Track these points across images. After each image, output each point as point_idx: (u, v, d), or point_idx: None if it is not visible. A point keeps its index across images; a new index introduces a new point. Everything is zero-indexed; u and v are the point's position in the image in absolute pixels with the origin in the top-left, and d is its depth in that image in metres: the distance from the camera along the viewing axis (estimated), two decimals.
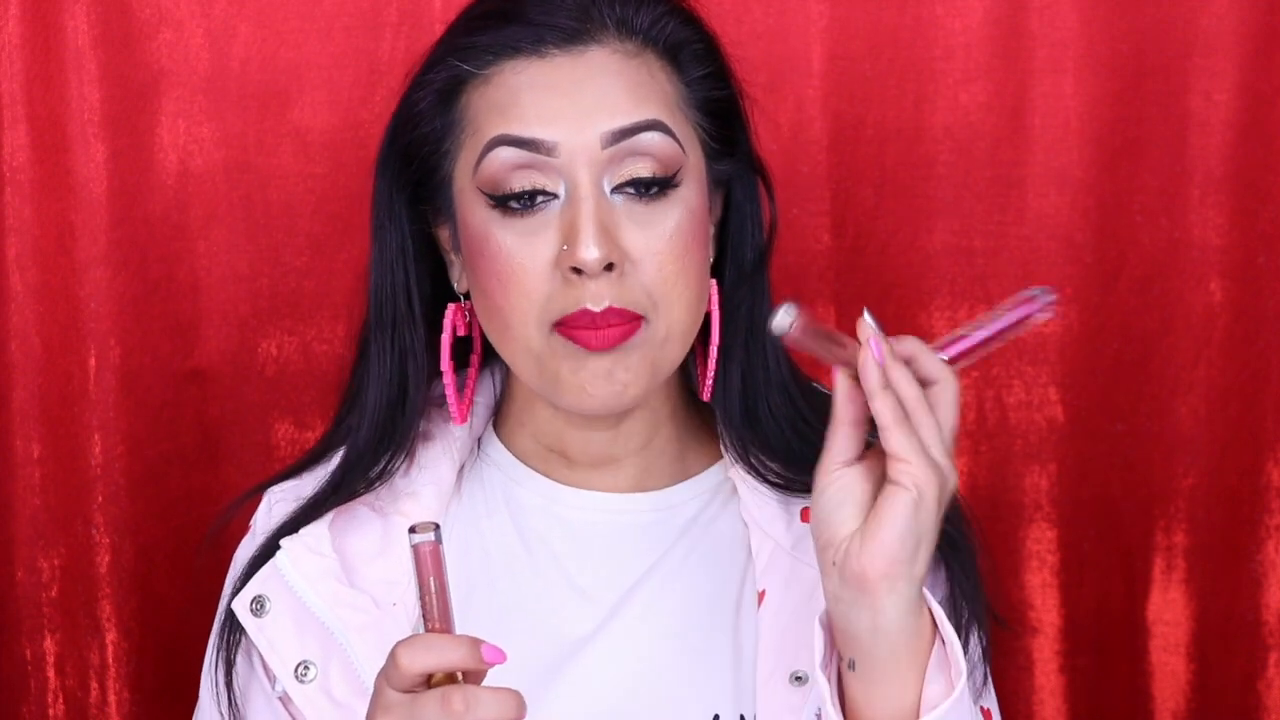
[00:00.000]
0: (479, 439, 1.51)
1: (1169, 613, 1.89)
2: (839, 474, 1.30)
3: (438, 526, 1.24)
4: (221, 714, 1.44)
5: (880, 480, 1.28)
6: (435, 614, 1.24)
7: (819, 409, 1.48)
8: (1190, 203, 1.85)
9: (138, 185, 1.79)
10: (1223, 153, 1.84)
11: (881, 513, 1.27)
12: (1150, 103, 1.83)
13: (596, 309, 1.36)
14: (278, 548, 1.44)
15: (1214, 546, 1.88)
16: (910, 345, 1.29)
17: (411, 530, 1.24)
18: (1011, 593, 1.88)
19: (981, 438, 1.87)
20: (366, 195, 1.78)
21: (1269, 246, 1.85)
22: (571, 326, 1.37)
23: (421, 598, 1.24)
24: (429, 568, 1.24)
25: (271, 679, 1.43)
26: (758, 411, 1.46)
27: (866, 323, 1.28)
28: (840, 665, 1.32)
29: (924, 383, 1.28)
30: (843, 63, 1.82)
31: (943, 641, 1.31)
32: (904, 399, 1.27)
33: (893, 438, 1.26)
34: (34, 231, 1.77)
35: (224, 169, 1.80)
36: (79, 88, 1.76)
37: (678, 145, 1.39)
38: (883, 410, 1.26)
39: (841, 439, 1.30)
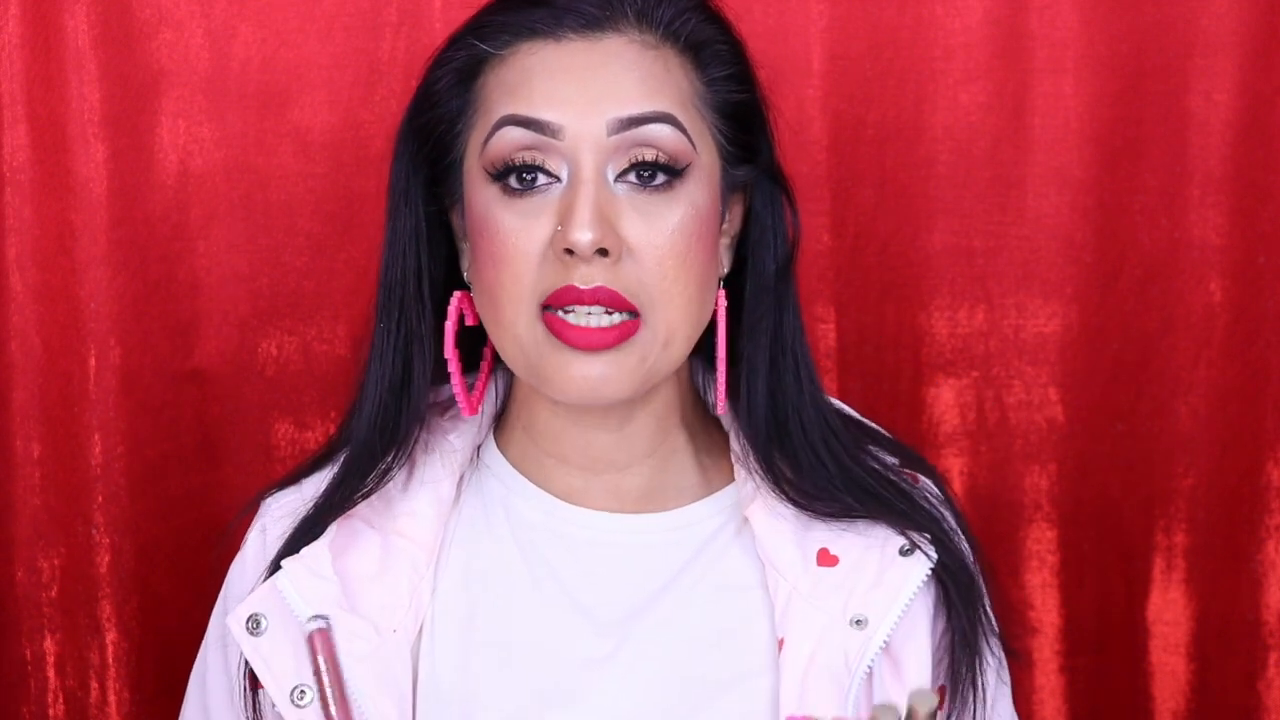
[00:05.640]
0: (478, 448, 1.49)
1: (1169, 613, 1.89)
2: None
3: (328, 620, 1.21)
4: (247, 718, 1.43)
5: None
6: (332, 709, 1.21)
7: (844, 428, 1.47)
8: (1190, 203, 1.85)
9: (138, 185, 1.79)
10: (1223, 153, 1.84)
11: None
12: (1150, 103, 1.83)
13: (584, 286, 1.35)
14: (278, 567, 1.41)
15: (1214, 546, 1.88)
16: None
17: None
18: (1011, 593, 1.88)
19: (981, 438, 1.87)
20: (367, 195, 1.79)
21: (1269, 246, 1.85)
22: (556, 305, 1.35)
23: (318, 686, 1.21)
24: (322, 653, 1.20)
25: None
26: (788, 426, 1.44)
27: None
28: None
29: None
30: (843, 63, 1.82)
31: None
32: None
33: None
34: (34, 231, 1.77)
35: (224, 169, 1.80)
36: (79, 88, 1.76)
37: (688, 141, 1.38)
38: None
39: None
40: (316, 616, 1.16)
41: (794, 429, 1.44)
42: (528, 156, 1.37)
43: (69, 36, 1.75)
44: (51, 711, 1.82)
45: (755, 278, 1.45)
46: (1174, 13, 1.82)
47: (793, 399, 1.44)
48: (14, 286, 1.77)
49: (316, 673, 1.17)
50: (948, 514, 1.47)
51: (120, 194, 1.78)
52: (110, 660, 1.82)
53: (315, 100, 1.80)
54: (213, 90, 1.79)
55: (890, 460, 1.49)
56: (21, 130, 1.76)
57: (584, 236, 1.34)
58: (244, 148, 1.80)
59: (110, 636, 1.82)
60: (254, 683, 1.42)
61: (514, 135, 1.37)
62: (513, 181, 1.37)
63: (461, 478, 1.47)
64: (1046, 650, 1.89)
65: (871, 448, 1.49)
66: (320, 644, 1.18)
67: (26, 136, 1.76)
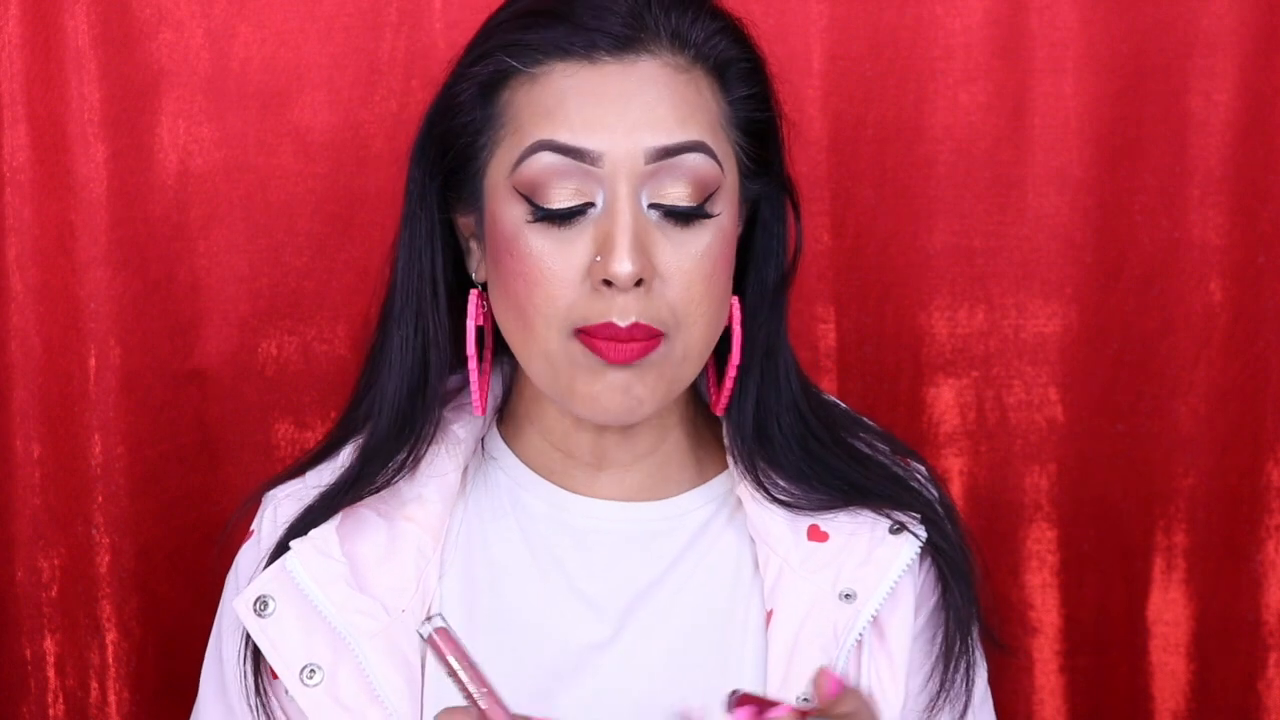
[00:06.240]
0: (481, 440, 1.51)
1: (1169, 613, 1.89)
2: None
3: (442, 616, 1.24)
4: (250, 707, 1.44)
5: None
6: (473, 692, 1.24)
7: (830, 423, 1.49)
8: (1190, 203, 1.85)
9: (138, 185, 1.79)
10: (1223, 153, 1.84)
11: None
12: (1150, 103, 1.83)
13: (622, 324, 1.36)
14: (286, 548, 1.43)
15: (1214, 546, 1.88)
16: None
17: (426, 620, 1.24)
18: (1011, 593, 1.88)
19: (981, 438, 1.87)
20: (367, 195, 1.79)
21: (1269, 246, 1.85)
22: (594, 336, 1.37)
23: (456, 681, 1.24)
24: (448, 650, 1.24)
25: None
26: (768, 429, 1.46)
27: None
28: None
29: None
30: (843, 63, 1.82)
31: None
32: None
33: None
34: (34, 231, 1.77)
35: (224, 169, 1.80)
36: (79, 88, 1.76)
37: (718, 167, 1.39)
38: None
39: None
40: (433, 616, 1.20)
41: (774, 432, 1.46)
42: (565, 187, 1.37)
43: (69, 36, 1.75)
44: (51, 711, 1.82)
45: (758, 285, 1.47)
46: (1174, 13, 1.82)
47: (773, 403, 1.47)
48: (14, 286, 1.77)
49: (451, 673, 1.21)
50: (936, 492, 1.50)
51: (120, 194, 1.78)
52: (110, 660, 1.82)
53: (315, 100, 1.80)
54: (213, 90, 1.79)
55: (882, 448, 1.52)
56: (21, 130, 1.76)
57: (625, 269, 1.35)
58: (244, 148, 1.80)
59: (110, 636, 1.82)
60: (256, 669, 1.44)
61: (549, 160, 1.37)
62: (555, 217, 1.38)
63: (466, 468, 1.48)
64: (1046, 650, 1.90)
65: (864, 435, 1.51)
66: (444, 642, 1.21)
67: (26, 136, 1.76)
